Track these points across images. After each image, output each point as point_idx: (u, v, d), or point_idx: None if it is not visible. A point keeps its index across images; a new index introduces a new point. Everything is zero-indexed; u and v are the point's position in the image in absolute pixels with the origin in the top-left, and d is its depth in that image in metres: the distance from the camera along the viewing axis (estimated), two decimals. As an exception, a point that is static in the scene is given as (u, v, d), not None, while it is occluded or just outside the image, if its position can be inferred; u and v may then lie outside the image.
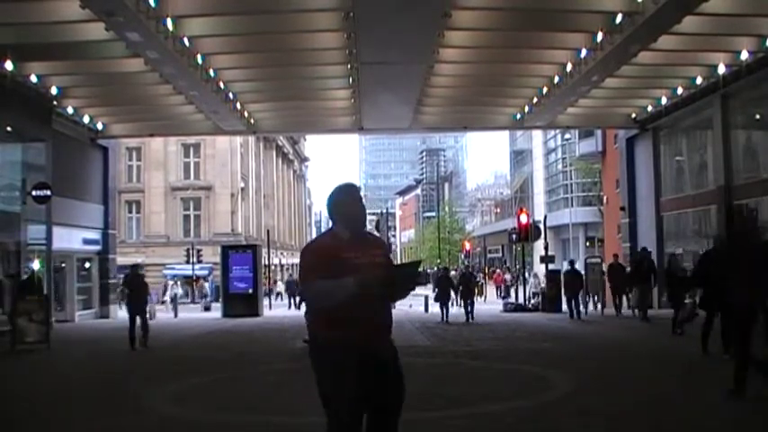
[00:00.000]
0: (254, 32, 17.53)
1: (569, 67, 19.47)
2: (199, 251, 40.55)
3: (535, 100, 23.04)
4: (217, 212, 48.30)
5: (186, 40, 16.94)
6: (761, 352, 8.55)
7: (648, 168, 26.75)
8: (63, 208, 22.55)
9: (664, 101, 23.70)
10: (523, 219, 27.90)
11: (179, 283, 38.48)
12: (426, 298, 25.84)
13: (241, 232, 48.71)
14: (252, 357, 13.68)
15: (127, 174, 46.55)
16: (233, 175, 49.02)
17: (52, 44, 17.25)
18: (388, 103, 22.41)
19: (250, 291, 27.59)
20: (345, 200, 4.25)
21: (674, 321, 15.06)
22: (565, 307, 23.57)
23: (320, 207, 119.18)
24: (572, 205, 57.09)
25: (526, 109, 24.39)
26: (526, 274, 31.77)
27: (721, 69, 19.83)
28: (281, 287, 43.47)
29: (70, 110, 23.10)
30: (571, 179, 58.72)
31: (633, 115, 26.14)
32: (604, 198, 40.39)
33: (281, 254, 59.50)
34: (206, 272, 42.12)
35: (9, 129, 20.63)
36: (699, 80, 21.47)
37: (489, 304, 30.61)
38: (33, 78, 19.67)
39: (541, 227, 29.25)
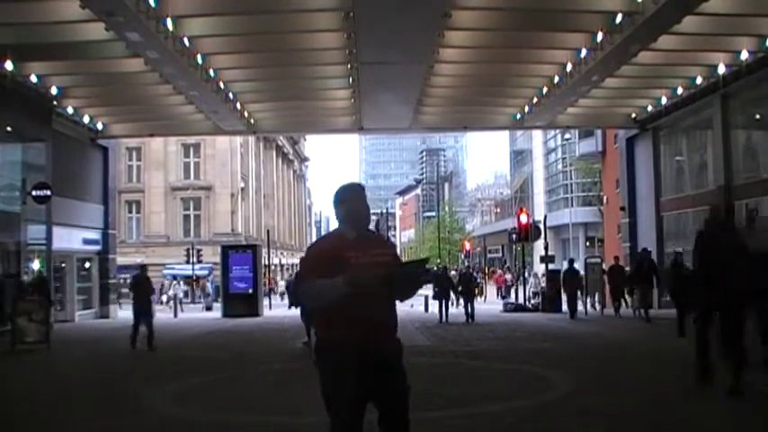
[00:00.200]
0: (254, 32, 17.53)
1: (569, 67, 19.47)
2: (199, 251, 40.57)
3: (535, 100, 23.04)
4: (217, 212, 48.32)
5: (186, 40, 16.94)
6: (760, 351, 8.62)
7: (648, 168, 26.76)
8: (63, 208, 22.55)
9: (664, 101, 23.70)
10: (523, 219, 27.91)
11: (181, 282, 38.45)
12: (426, 298, 25.84)
13: (241, 232, 48.73)
14: (252, 357, 13.68)
15: (127, 174, 46.57)
16: (233, 175, 49.03)
17: (52, 44, 17.25)
18: (388, 103, 22.41)
19: (250, 291, 27.59)
20: (350, 199, 4.24)
21: (679, 322, 14.28)
22: (565, 307, 23.61)
23: (320, 207, 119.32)
24: (572, 205, 57.10)
25: (526, 109, 24.39)
26: (526, 274, 31.76)
27: (721, 69, 19.83)
28: (282, 287, 43.47)
29: (70, 110, 23.11)
30: (571, 179, 58.74)
31: (633, 115, 26.14)
32: (604, 198, 40.40)
33: (281, 254, 59.53)
34: (206, 272, 42.12)
35: (9, 129, 20.63)
36: (699, 80, 21.47)
37: (489, 304, 30.61)
38: (33, 78, 19.67)
39: (541, 227, 29.26)
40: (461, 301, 23.25)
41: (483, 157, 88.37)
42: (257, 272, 28.25)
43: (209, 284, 39.19)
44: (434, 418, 7.01)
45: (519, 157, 73.60)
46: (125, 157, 45.50)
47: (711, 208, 8.97)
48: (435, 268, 32.29)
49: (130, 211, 48.57)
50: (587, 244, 54.19)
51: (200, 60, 18.31)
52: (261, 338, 18.13)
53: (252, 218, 52.95)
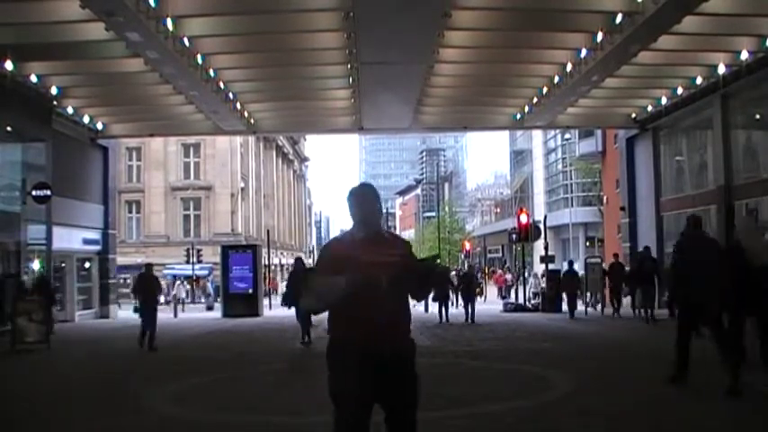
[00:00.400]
0: (254, 32, 17.53)
1: (569, 67, 19.47)
2: (199, 251, 40.57)
3: (535, 100, 23.04)
4: (217, 212, 48.32)
5: (186, 40, 16.94)
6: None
7: (648, 168, 26.76)
8: (63, 208, 22.55)
9: (664, 101, 23.70)
10: (523, 219, 27.91)
11: (184, 282, 38.44)
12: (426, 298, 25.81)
13: (241, 232, 48.73)
14: (252, 357, 13.68)
15: (127, 174, 46.56)
16: (233, 175, 49.03)
17: (52, 44, 17.25)
18: (388, 103, 22.41)
19: (250, 291, 27.59)
20: (358, 199, 4.26)
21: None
22: (565, 307, 23.65)
23: (320, 207, 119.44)
24: (572, 205, 57.13)
25: (526, 109, 24.39)
26: (526, 274, 31.77)
27: (721, 69, 19.82)
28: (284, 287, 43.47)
29: (70, 110, 23.11)
30: (571, 179, 58.76)
31: (633, 115, 26.14)
32: (604, 198, 40.40)
33: (281, 254, 59.51)
34: (206, 272, 42.12)
35: (9, 129, 20.64)
36: (699, 80, 21.47)
37: (489, 304, 30.60)
38: (33, 78, 19.67)
39: (541, 227, 29.27)
40: (461, 301, 23.22)
41: (483, 157, 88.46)
42: (257, 272, 28.26)
43: (209, 284, 39.22)
44: (435, 418, 7.01)
45: (519, 157, 73.62)
46: (125, 157, 45.49)
47: (689, 217, 9.38)
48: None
49: (130, 211, 48.57)
50: (587, 244, 54.20)
51: (200, 60, 18.31)
52: (261, 338, 18.13)
53: (252, 218, 52.95)
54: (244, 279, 27.69)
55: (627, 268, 22.89)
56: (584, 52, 18.26)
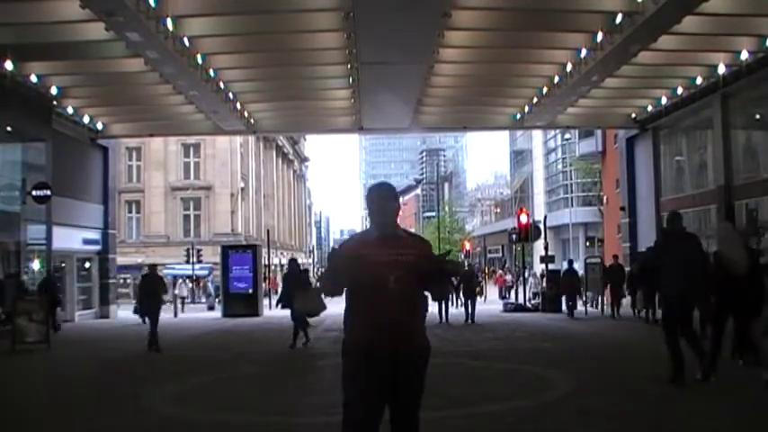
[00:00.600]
0: (254, 32, 17.53)
1: (569, 67, 19.47)
2: (199, 251, 40.49)
3: (535, 100, 23.04)
4: (217, 212, 48.30)
5: (186, 40, 16.94)
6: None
7: (648, 168, 26.76)
8: (63, 208, 22.56)
9: (664, 101, 23.70)
10: (523, 219, 27.90)
11: (187, 282, 38.43)
12: (426, 298, 25.77)
13: (241, 232, 48.71)
14: (252, 357, 13.68)
15: (127, 174, 46.54)
16: (233, 175, 49.01)
17: (52, 44, 17.26)
18: (388, 103, 22.41)
19: (250, 291, 27.58)
20: (374, 198, 4.27)
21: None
22: (565, 307, 23.66)
23: (320, 207, 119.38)
24: (572, 205, 57.16)
25: (526, 109, 24.39)
26: (526, 274, 31.77)
27: (721, 69, 19.82)
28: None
29: (70, 110, 23.12)
30: (571, 179, 58.78)
31: (633, 115, 26.15)
32: (604, 198, 40.39)
33: (281, 254, 59.49)
34: (206, 272, 42.10)
35: (9, 129, 20.65)
36: (699, 80, 21.48)
37: (489, 304, 30.58)
38: (33, 78, 19.68)
39: (541, 227, 29.26)
40: (461, 300, 23.20)
41: (483, 157, 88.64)
42: (257, 272, 28.25)
43: (210, 284, 39.21)
44: (435, 418, 7.00)
45: (519, 157, 73.65)
46: (125, 157, 45.47)
47: (669, 214, 9.54)
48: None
49: (130, 211, 48.55)
50: (587, 244, 54.24)
51: (200, 60, 18.32)
52: (261, 338, 18.13)
53: (252, 218, 52.93)
54: (244, 279, 27.69)
55: (627, 269, 22.88)
56: (584, 52, 18.26)
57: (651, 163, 26.57)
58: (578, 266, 26.60)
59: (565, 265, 25.73)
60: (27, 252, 21.09)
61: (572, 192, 58.84)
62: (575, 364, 11.51)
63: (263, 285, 31.15)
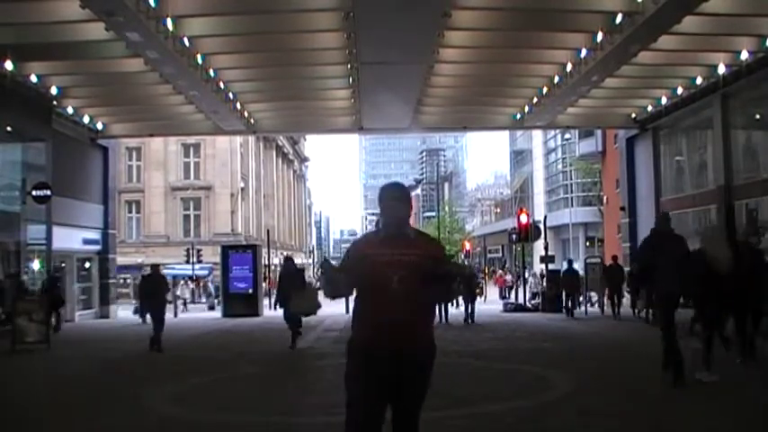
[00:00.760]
0: (254, 32, 17.53)
1: (569, 67, 19.47)
2: (199, 251, 40.52)
3: (535, 100, 23.04)
4: (217, 212, 48.30)
5: (186, 40, 16.94)
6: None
7: (648, 168, 26.76)
8: (63, 208, 22.55)
9: (664, 101, 23.70)
10: (523, 219, 27.91)
11: (188, 282, 38.46)
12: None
13: (241, 232, 48.71)
14: (252, 357, 13.68)
15: (127, 174, 46.54)
16: (233, 175, 49.01)
17: (52, 44, 17.25)
18: (388, 103, 22.40)
19: (250, 291, 27.57)
20: (382, 198, 4.27)
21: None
22: (564, 307, 23.68)
23: (320, 207, 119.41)
24: (572, 205, 57.16)
25: (526, 109, 24.39)
26: (526, 274, 31.78)
27: (721, 69, 19.82)
28: None
29: (70, 110, 23.12)
30: (571, 179, 58.78)
31: (633, 115, 26.15)
32: (604, 198, 40.42)
33: (281, 254, 59.46)
34: (206, 272, 42.09)
35: (9, 129, 20.64)
36: (699, 80, 21.47)
37: (490, 304, 30.59)
38: (33, 78, 19.68)
39: (541, 227, 29.26)
40: (461, 301, 23.18)
41: (483, 157, 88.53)
42: (257, 272, 28.24)
43: (210, 284, 39.21)
44: (435, 418, 7.00)
45: (519, 157, 73.65)
46: (125, 157, 45.46)
47: (659, 216, 9.93)
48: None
49: (130, 211, 48.55)
50: (587, 244, 54.23)
51: (200, 60, 18.31)
52: (261, 338, 18.12)
53: (252, 218, 52.93)
54: (244, 279, 27.68)
55: (627, 269, 22.86)
56: (584, 52, 18.26)
57: (651, 163, 26.57)
58: (578, 266, 26.60)
59: (565, 266, 25.76)
60: (27, 252, 21.09)
61: (572, 192, 58.84)
62: (575, 364, 11.51)
63: (263, 285, 31.16)
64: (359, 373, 4.07)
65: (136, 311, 26.05)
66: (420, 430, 4.18)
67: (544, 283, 28.57)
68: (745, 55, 18.71)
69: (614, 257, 24.38)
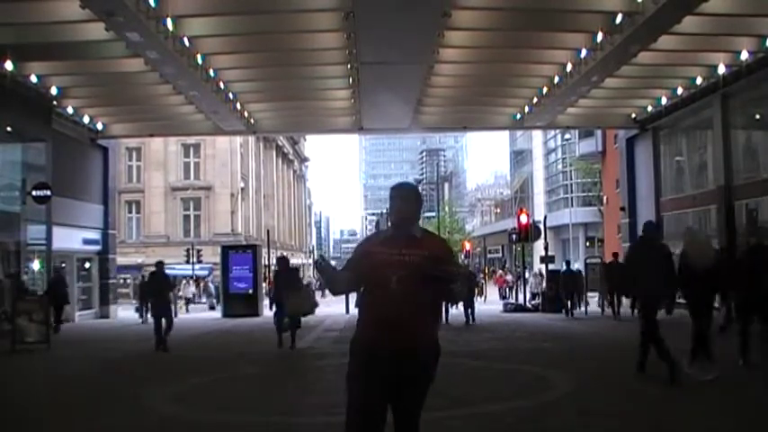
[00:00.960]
0: (254, 32, 17.53)
1: (569, 67, 19.47)
2: (199, 251, 40.54)
3: (535, 100, 23.04)
4: (217, 212, 48.31)
5: (186, 40, 16.94)
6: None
7: (648, 168, 26.75)
8: (63, 208, 22.55)
9: (664, 101, 23.70)
10: (523, 219, 27.92)
11: (190, 282, 38.49)
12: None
13: (241, 232, 48.71)
14: (252, 357, 13.68)
15: (127, 174, 46.55)
16: (233, 175, 49.02)
17: (52, 44, 17.25)
18: (388, 103, 22.40)
19: (250, 291, 27.57)
20: (391, 197, 4.27)
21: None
22: (563, 307, 23.70)
23: (320, 207, 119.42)
24: (572, 205, 57.15)
25: (526, 109, 24.39)
26: (526, 274, 31.78)
27: (721, 69, 19.83)
28: None
29: (70, 110, 23.12)
30: (571, 179, 58.78)
31: (633, 115, 26.15)
32: (604, 198, 40.42)
33: (281, 254, 59.46)
34: (206, 272, 42.10)
35: (9, 129, 20.64)
36: (699, 80, 21.48)
37: (490, 305, 30.60)
38: (33, 78, 19.68)
39: (541, 227, 29.27)
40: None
41: (483, 157, 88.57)
42: (257, 272, 28.24)
43: (211, 284, 39.23)
44: (435, 418, 6.99)
45: (519, 157, 73.64)
46: (125, 157, 45.48)
47: (646, 224, 10.34)
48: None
49: (130, 211, 48.56)
50: (587, 244, 54.23)
51: (200, 60, 18.32)
52: (261, 338, 18.09)
53: (252, 218, 52.93)
54: (244, 279, 27.68)
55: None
56: (584, 52, 18.26)
57: (651, 163, 26.56)
58: (578, 267, 26.63)
59: (564, 266, 25.80)
60: (27, 252, 21.09)
61: (572, 192, 58.84)
62: (575, 364, 11.51)
63: (264, 285, 31.19)
64: (360, 372, 4.06)
65: (137, 310, 26.08)
66: (420, 430, 4.18)
67: (544, 284, 28.58)
68: (745, 55, 18.72)
69: (615, 254, 24.35)
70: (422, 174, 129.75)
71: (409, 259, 4.06)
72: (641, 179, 27.40)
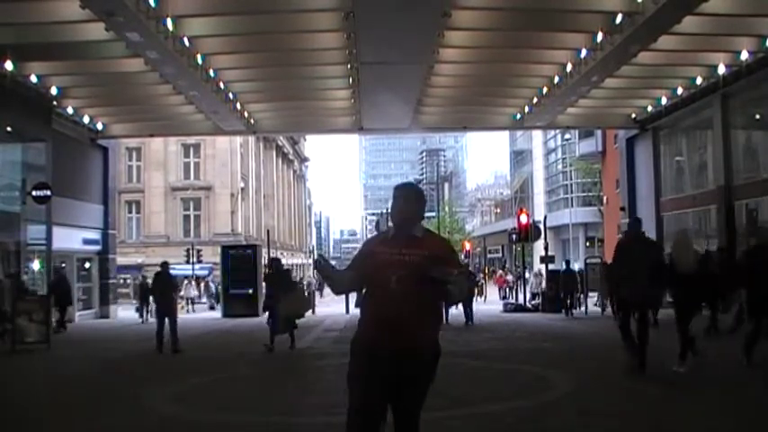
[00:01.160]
0: (254, 32, 17.53)
1: (569, 67, 19.47)
2: (199, 251, 40.52)
3: (535, 100, 23.04)
4: (217, 212, 48.31)
5: (186, 40, 16.94)
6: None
7: (648, 168, 26.76)
8: (63, 208, 22.55)
9: (664, 101, 23.70)
10: (523, 219, 27.93)
11: (193, 283, 38.48)
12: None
13: (241, 232, 48.71)
14: (252, 357, 13.67)
15: (127, 174, 46.55)
16: (233, 175, 49.02)
17: (52, 44, 17.25)
18: (388, 103, 22.40)
19: (250, 291, 27.54)
20: (394, 197, 4.30)
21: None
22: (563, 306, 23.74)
23: (320, 207, 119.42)
24: (572, 205, 57.16)
25: (526, 109, 24.39)
26: (526, 274, 31.78)
27: (721, 69, 19.83)
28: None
29: (70, 110, 23.11)
30: (571, 179, 58.78)
31: (633, 115, 26.15)
32: (604, 198, 40.44)
33: (281, 254, 59.45)
34: (206, 272, 42.09)
35: (9, 129, 20.64)
36: (699, 80, 21.48)
37: (490, 305, 30.60)
38: (33, 78, 19.67)
39: (541, 227, 29.27)
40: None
41: (483, 157, 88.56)
42: (257, 272, 28.20)
43: (211, 284, 39.22)
44: (435, 418, 6.99)
45: (519, 158, 73.64)
46: (125, 157, 45.48)
47: (630, 222, 10.53)
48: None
49: (130, 211, 48.56)
50: (587, 244, 54.23)
51: (200, 60, 18.31)
52: (261, 339, 18.05)
53: (252, 218, 52.93)
54: (244, 279, 27.61)
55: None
56: (584, 52, 18.26)
57: (651, 163, 26.57)
58: (579, 267, 26.65)
59: (564, 266, 25.83)
60: (27, 252, 21.09)
61: (572, 192, 58.85)
62: (575, 364, 11.51)
63: (264, 285, 31.16)
64: (361, 372, 4.07)
65: (137, 311, 26.09)
66: (420, 430, 4.18)
67: (544, 284, 28.59)
68: (745, 55, 18.72)
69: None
70: (422, 174, 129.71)
71: (409, 259, 4.07)
72: (641, 179, 27.40)
